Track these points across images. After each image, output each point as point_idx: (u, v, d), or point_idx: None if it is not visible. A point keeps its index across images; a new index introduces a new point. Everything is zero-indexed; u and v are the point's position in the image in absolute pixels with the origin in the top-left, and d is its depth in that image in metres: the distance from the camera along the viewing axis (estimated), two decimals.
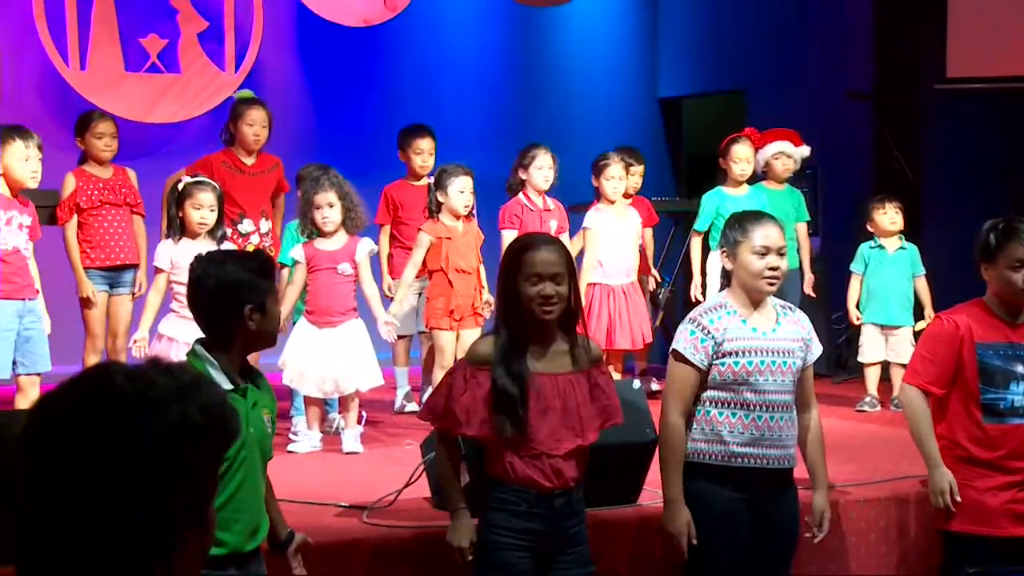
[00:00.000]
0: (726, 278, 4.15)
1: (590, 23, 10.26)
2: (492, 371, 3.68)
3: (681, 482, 3.99)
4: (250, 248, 6.40)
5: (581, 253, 7.14)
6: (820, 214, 8.74)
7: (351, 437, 5.99)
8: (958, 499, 4.38)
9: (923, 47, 8.88)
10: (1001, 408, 4.42)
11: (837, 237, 8.60)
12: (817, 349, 4.20)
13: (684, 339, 4.03)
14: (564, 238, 6.73)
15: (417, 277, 6.60)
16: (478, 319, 6.48)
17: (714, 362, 4.00)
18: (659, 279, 8.02)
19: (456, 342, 6.39)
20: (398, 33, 9.12)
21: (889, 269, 7.31)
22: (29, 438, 1.40)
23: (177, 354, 5.12)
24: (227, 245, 5.83)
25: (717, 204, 7.36)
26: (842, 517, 4.88)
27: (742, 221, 4.10)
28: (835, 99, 9.06)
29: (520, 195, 7.04)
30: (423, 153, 7.24)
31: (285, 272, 6.54)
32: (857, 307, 7.38)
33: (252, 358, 3.85)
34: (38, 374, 5.82)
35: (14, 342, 5.73)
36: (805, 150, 7.62)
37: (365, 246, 6.03)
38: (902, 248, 7.34)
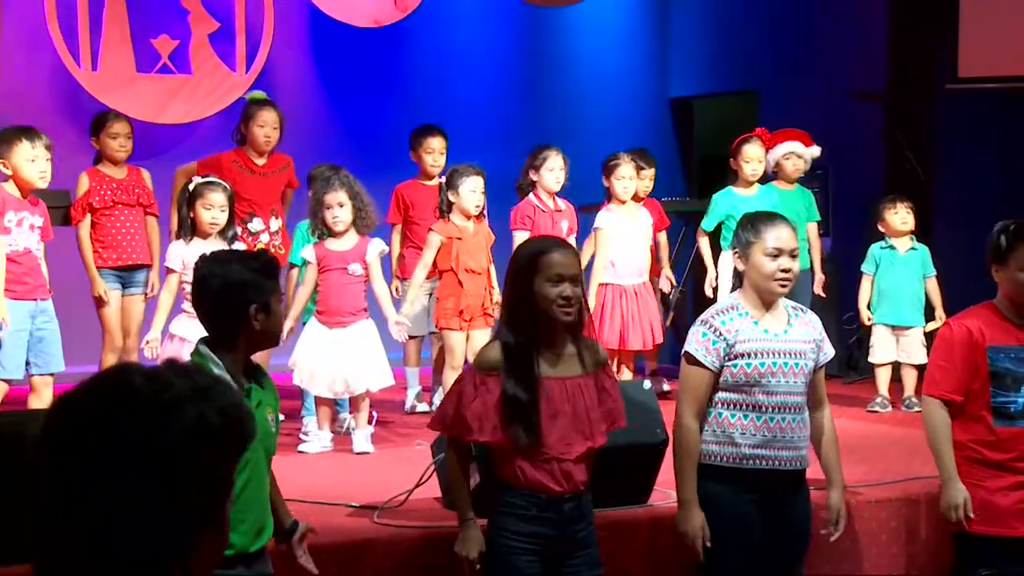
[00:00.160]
0: (738, 279, 4.14)
1: (601, 23, 10.25)
2: (502, 378, 3.67)
3: (695, 484, 3.99)
4: (260, 246, 6.42)
5: (592, 256, 7.15)
6: (831, 214, 8.73)
7: (362, 437, 6.00)
8: (971, 515, 4.36)
9: (935, 47, 8.86)
10: (1012, 411, 4.40)
11: (848, 237, 8.59)
12: (830, 350, 4.19)
13: (696, 341, 4.02)
14: (572, 240, 6.74)
15: (427, 278, 6.61)
16: (488, 319, 6.48)
17: (726, 364, 3.99)
18: (673, 282, 8.01)
19: (466, 342, 6.40)
20: (409, 33, 9.13)
21: (900, 270, 7.29)
22: (47, 438, 1.41)
23: (188, 354, 5.12)
24: (238, 245, 5.84)
25: (727, 204, 7.36)
26: (854, 518, 4.87)
27: (755, 222, 4.10)
28: (846, 99, 9.04)
29: (531, 196, 7.04)
30: (434, 152, 7.25)
31: (295, 272, 6.56)
32: (868, 308, 7.37)
33: (263, 358, 3.86)
34: (51, 374, 5.84)
35: (27, 342, 5.74)
36: (816, 150, 7.62)
37: (376, 246, 6.04)
38: (913, 248, 7.33)
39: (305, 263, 6.08)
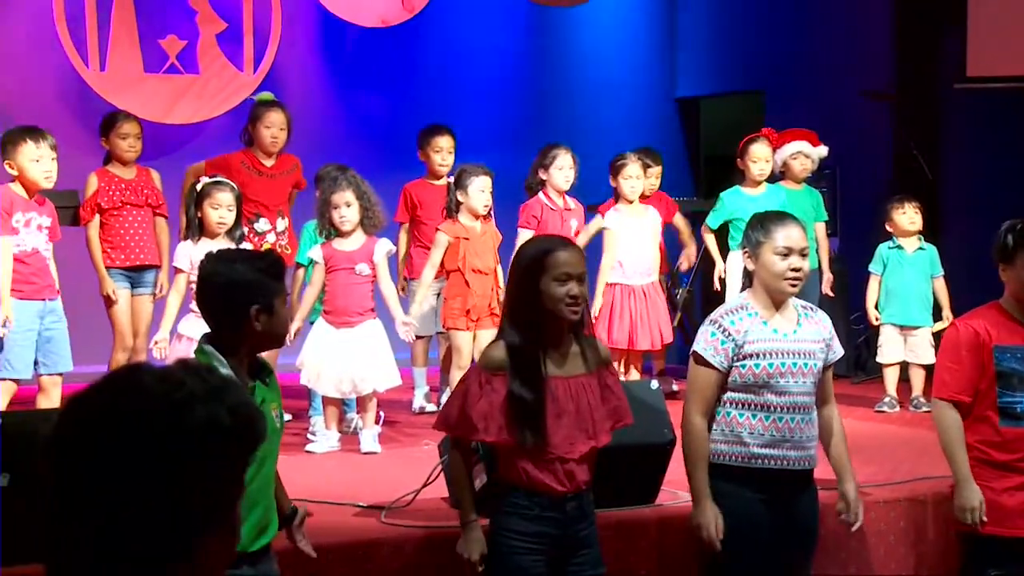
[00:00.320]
0: (748, 279, 4.14)
1: (608, 23, 10.25)
2: (508, 378, 3.67)
3: (707, 479, 3.99)
4: (266, 247, 6.42)
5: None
6: (838, 214, 8.72)
7: (369, 437, 6.00)
8: (985, 519, 4.36)
9: (943, 46, 8.85)
10: (1018, 411, 4.39)
11: (856, 237, 8.58)
12: (839, 349, 4.19)
13: (704, 341, 4.02)
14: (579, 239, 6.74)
15: (435, 278, 6.61)
16: (495, 319, 6.48)
17: (735, 364, 3.99)
18: (694, 261, 8.00)
19: (473, 342, 6.40)
20: (416, 33, 9.13)
21: (908, 270, 7.28)
22: (58, 437, 1.41)
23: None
24: (245, 245, 5.85)
25: (735, 203, 7.36)
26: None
27: (764, 222, 4.09)
28: (853, 99, 9.03)
29: (540, 194, 7.05)
30: (442, 152, 7.25)
31: (300, 272, 6.57)
32: (876, 308, 7.36)
33: (270, 357, 3.86)
34: (60, 374, 5.85)
35: (35, 342, 5.75)
36: (823, 150, 7.61)
37: (383, 246, 6.04)
38: (921, 248, 7.32)
39: (311, 262, 6.09)
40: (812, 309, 4.20)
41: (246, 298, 3.38)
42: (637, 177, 7.20)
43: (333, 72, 9.30)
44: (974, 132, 8.81)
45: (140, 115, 7.19)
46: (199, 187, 5.88)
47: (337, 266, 5.95)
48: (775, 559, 4.06)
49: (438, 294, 6.90)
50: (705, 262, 8.06)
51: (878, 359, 7.43)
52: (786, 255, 4.01)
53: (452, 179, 6.61)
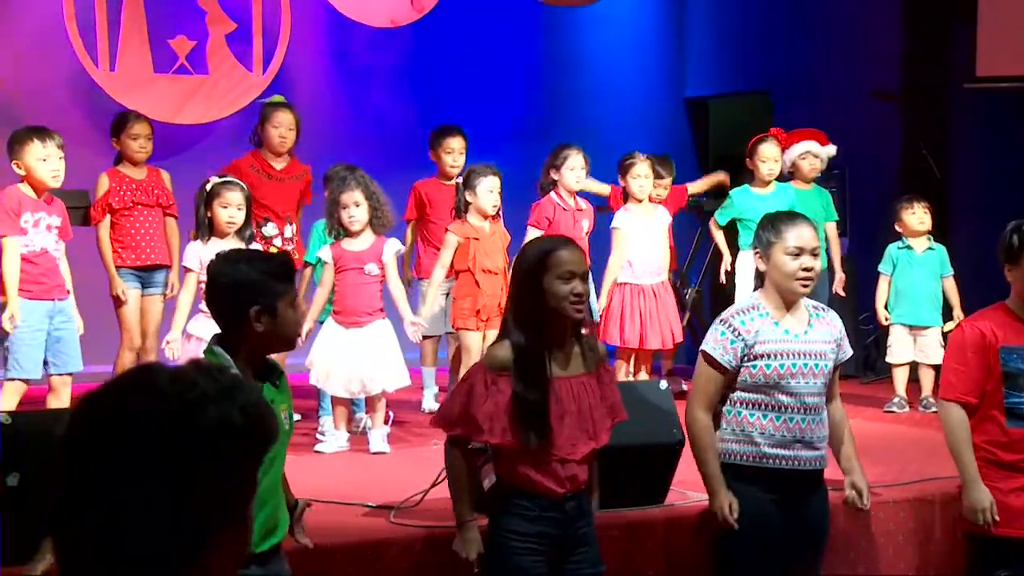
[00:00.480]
0: (759, 279, 4.14)
1: (617, 23, 10.25)
2: (513, 379, 3.66)
3: (718, 466, 4.00)
4: (273, 251, 6.42)
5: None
6: (847, 214, 8.70)
7: (378, 437, 6.01)
8: (997, 519, 4.35)
9: (952, 46, 8.83)
10: None
11: (865, 237, 8.57)
12: (848, 350, 4.20)
13: (714, 340, 4.02)
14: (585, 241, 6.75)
15: (445, 278, 6.62)
16: None
17: (745, 364, 3.99)
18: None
19: (483, 342, 6.40)
20: (425, 33, 9.13)
21: (917, 269, 7.27)
22: (70, 437, 1.41)
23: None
24: (255, 246, 5.85)
25: (744, 202, 7.36)
26: (871, 518, 4.87)
27: (775, 222, 4.09)
28: (862, 99, 9.02)
29: (552, 194, 7.05)
30: (454, 153, 7.26)
31: (309, 271, 6.58)
32: (885, 308, 7.35)
33: (279, 356, 3.86)
34: (70, 374, 5.86)
35: (44, 342, 5.77)
36: (831, 149, 7.61)
37: (392, 246, 6.05)
38: (930, 248, 7.31)
39: (318, 261, 6.09)
40: (823, 309, 4.20)
41: (247, 299, 3.37)
42: (646, 176, 7.20)
43: (342, 72, 9.30)
44: (983, 132, 8.80)
45: (149, 115, 7.20)
46: (209, 187, 5.89)
47: (346, 266, 5.96)
48: (785, 559, 4.06)
49: (447, 294, 6.91)
50: (713, 258, 8.06)
51: (887, 359, 7.42)
52: (797, 255, 4.01)
53: (460, 179, 6.61)
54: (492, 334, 6.35)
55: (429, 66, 9.43)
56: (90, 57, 8.23)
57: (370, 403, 6.11)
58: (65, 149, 5.87)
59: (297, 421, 4.56)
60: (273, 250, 6.49)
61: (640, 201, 7.23)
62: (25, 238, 5.77)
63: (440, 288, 6.75)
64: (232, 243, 5.67)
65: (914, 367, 7.30)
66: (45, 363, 5.79)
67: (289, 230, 6.86)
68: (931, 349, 7.16)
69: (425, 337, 6.60)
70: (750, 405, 4.02)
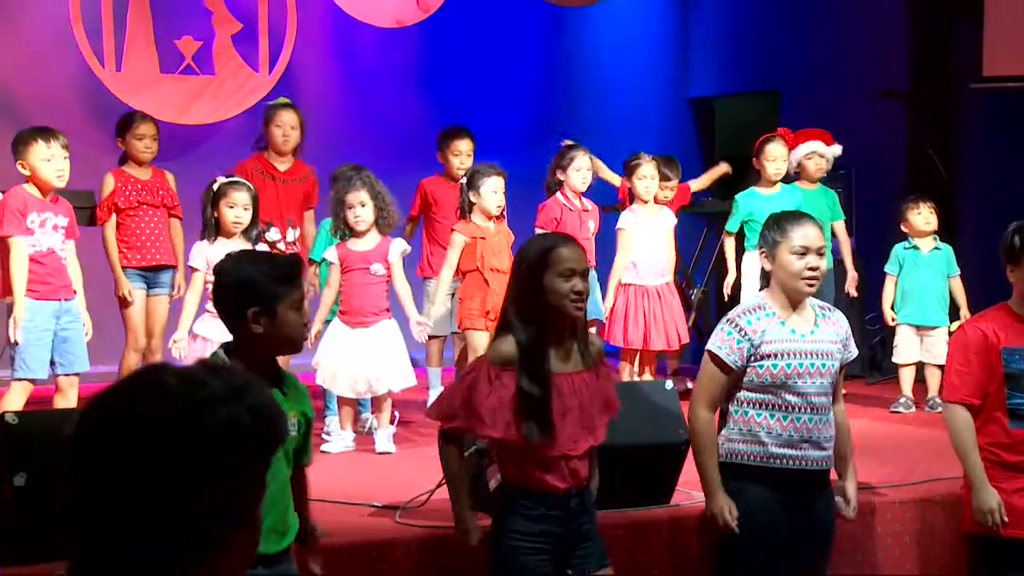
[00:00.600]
0: (765, 279, 4.13)
1: (621, 23, 10.24)
2: (516, 374, 3.66)
3: (717, 468, 4.00)
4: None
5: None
6: (854, 214, 8.69)
7: (384, 437, 6.01)
8: (1006, 519, 4.34)
9: (959, 46, 8.82)
10: None
11: (871, 237, 8.56)
12: (854, 350, 4.19)
13: (720, 339, 4.02)
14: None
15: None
16: None
17: (752, 364, 3.99)
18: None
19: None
20: (430, 34, 9.14)
21: (924, 270, 7.27)
22: (78, 437, 1.41)
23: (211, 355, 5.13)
24: (261, 246, 5.86)
25: (750, 204, 7.35)
26: (877, 519, 4.86)
27: (781, 222, 4.09)
28: (868, 99, 9.01)
29: (558, 195, 7.04)
30: (461, 155, 7.27)
31: (313, 269, 6.59)
32: (892, 308, 7.34)
33: (283, 357, 3.84)
34: (76, 374, 5.87)
35: (51, 342, 5.78)
36: (837, 149, 7.60)
37: (398, 246, 6.05)
38: (937, 248, 7.30)
39: (323, 260, 6.10)
40: (829, 309, 4.20)
41: (246, 299, 3.34)
42: (652, 177, 7.20)
43: (348, 73, 9.31)
44: (990, 132, 8.78)
45: (156, 115, 7.21)
46: (215, 187, 5.89)
47: (352, 266, 5.97)
48: (791, 559, 4.06)
49: (452, 294, 6.91)
50: (721, 263, 8.06)
51: (894, 359, 7.41)
52: (803, 254, 4.01)
53: (464, 180, 6.62)
54: None
55: (434, 66, 9.44)
56: (96, 57, 8.24)
57: (376, 403, 6.12)
58: (70, 149, 5.87)
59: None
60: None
61: (645, 202, 7.22)
62: (31, 238, 5.77)
63: (446, 289, 6.75)
64: (238, 243, 5.68)
65: (920, 367, 7.29)
66: (52, 363, 5.79)
67: (292, 234, 6.85)
68: (938, 349, 7.15)
69: (431, 337, 6.59)
70: (757, 405, 4.02)
